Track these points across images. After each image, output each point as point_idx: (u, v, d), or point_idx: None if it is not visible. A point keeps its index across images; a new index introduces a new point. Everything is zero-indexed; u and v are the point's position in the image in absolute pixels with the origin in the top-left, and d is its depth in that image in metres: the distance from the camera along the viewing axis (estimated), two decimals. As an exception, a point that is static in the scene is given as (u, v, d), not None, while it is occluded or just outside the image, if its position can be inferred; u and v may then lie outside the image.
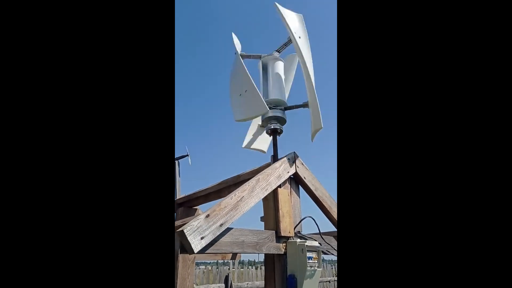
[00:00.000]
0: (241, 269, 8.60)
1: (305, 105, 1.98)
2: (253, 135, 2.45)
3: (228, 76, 2.14)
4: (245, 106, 1.91)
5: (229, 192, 1.44)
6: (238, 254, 3.28)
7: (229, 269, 7.92)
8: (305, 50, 1.86)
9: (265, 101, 2.09)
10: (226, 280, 4.37)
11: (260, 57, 2.25)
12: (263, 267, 9.01)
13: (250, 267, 8.95)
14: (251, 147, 2.49)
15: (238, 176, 2.01)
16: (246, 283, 7.89)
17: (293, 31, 1.81)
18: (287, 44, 2.08)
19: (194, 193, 2.35)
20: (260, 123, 2.26)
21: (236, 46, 2.25)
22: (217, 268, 8.09)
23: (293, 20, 1.89)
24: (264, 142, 2.37)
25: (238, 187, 1.45)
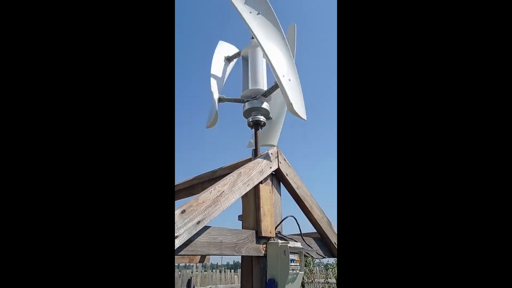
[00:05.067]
0: (205, 273, 8.33)
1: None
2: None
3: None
4: (211, 110, 1.93)
5: (203, 189, 1.29)
6: (207, 256, 3.09)
7: (192, 272, 7.62)
8: (265, 26, 1.67)
9: (242, 94, 1.97)
10: (188, 284, 4.13)
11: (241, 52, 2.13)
12: (227, 271, 8.86)
13: (214, 270, 8.69)
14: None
15: (214, 171, 1.85)
16: (210, 286, 7.65)
17: (240, 7, 1.60)
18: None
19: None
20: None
21: (218, 53, 2.15)
22: (179, 271, 7.71)
23: None
24: (273, 136, 2.21)
25: (213, 183, 1.30)
